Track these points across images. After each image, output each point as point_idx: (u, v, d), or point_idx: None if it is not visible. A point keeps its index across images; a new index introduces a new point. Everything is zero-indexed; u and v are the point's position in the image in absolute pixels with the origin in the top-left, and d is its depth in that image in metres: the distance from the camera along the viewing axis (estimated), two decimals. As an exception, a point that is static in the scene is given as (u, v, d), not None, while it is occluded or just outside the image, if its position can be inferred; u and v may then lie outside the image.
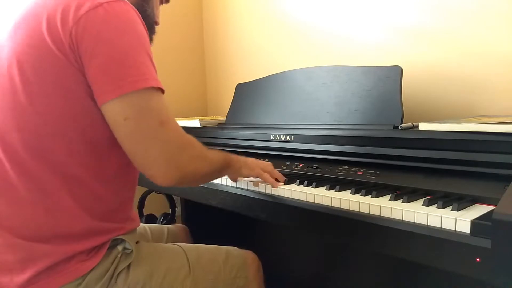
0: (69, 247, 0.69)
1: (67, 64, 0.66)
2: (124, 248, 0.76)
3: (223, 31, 1.97)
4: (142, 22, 0.71)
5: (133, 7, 0.71)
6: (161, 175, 0.69)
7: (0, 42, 0.73)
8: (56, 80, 0.67)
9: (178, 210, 1.80)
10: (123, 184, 0.79)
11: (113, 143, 0.70)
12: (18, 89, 0.67)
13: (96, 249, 0.72)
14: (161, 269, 0.78)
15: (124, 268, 0.74)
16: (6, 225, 0.69)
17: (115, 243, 0.75)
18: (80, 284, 0.69)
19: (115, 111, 0.66)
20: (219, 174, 0.87)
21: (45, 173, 0.68)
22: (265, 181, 0.91)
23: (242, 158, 0.91)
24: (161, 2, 0.94)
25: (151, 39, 0.87)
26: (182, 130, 0.73)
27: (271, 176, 0.93)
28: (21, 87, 0.67)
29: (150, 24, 0.87)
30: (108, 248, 0.73)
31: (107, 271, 0.72)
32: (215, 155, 0.82)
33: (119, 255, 0.74)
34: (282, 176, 0.95)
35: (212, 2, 2.01)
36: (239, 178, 0.96)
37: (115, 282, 0.73)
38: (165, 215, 1.72)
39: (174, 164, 0.69)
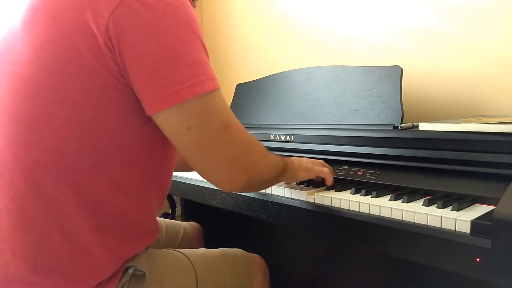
0: (83, 283, 0.62)
1: (97, 68, 0.55)
2: (135, 270, 0.68)
3: (223, 31, 1.97)
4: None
5: None
6: (228, 179, 0.65)
7: (12, 27, 0.59)
8: (80, 87, 0.56)
9: (178, 210, 1.80)
10: (151, 198, 0.71)
11: (145, 152, 0.64)
12: (39, 95, 0.56)
13: (108, 278, 0.65)
14: None
15: None
16: (19, 253, 0.60)
17: (126, 266, 0.68)
18: None
19: (174, 121, 0.59)
20: (278, 180, 0.81)
21: (64, 194, 0.59)
22: (325, 177, 0.86)
23: (296, 160, 0.85)
24: None
25: None
26: (246, 130, 0.67)
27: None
28: (44, 93, 0.56)
29: None
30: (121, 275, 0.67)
31: None
32: (276, 159, 0.77)
33: (128, 279, 0.67)
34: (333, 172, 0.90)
35: (212, 2, 2.01)
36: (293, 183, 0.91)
37: None
38: (165, 214, 1.72)
39: (241, 166, 0.65)
